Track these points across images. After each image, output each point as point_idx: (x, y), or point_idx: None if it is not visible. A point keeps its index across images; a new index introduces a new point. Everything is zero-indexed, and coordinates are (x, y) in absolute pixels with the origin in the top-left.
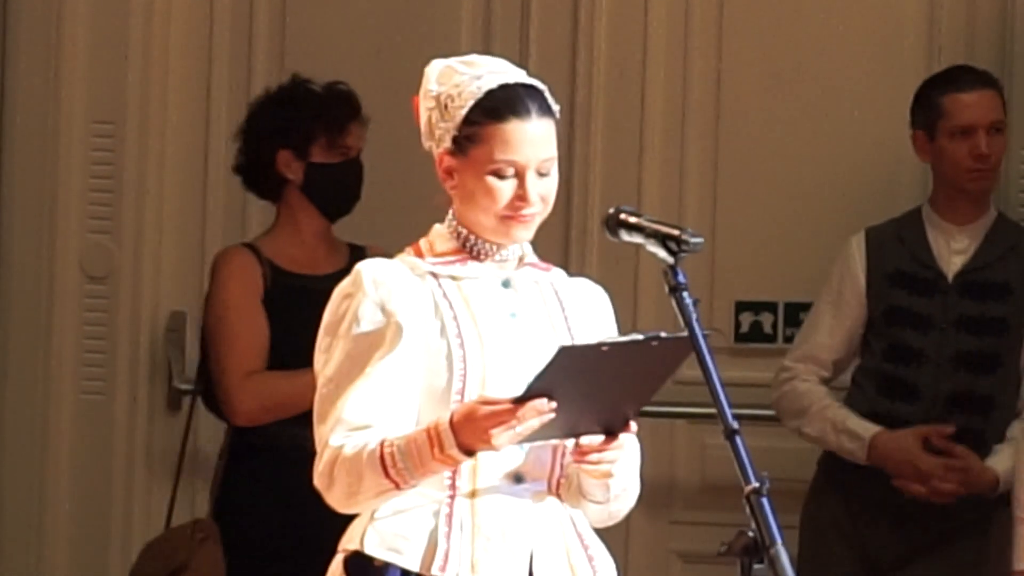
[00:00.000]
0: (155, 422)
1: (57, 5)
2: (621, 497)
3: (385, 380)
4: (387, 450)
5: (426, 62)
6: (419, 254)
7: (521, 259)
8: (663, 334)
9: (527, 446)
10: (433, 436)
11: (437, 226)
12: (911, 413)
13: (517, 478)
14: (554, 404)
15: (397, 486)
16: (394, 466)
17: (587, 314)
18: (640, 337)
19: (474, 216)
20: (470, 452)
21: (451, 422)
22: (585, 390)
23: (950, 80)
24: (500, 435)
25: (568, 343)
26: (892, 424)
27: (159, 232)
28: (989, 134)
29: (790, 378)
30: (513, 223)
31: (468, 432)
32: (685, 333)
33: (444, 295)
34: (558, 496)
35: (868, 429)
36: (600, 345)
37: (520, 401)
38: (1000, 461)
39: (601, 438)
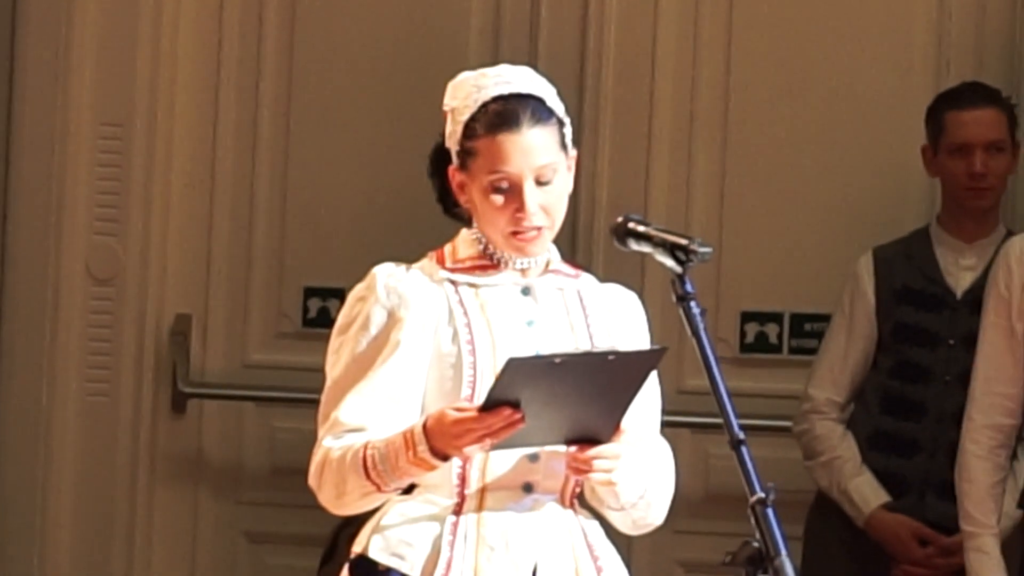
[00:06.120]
0: (159, 424)
1: (66, 7)
2: (639, 505)
3: (384, 385)
4: (369, 452)
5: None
6: (440, 260)
7: (547, 265)
8: (620, 349)
9: (539, 455)
10: (408, 439)
11: (464, 230)
12: (917, 431)
13: (527, 488)
14: (519, 414)
15: (379, 488)
16: (374, 468)
17: (614, 321)
18: (596, 351)
19: (485, 230)
20: (445, 457)
21: (424, 426)
22: (553, 401)
23: (953, 97)
24: (467, 442)
25: (517, 355)
26: (896, 445)
27: (165, 235)
28: (987, 152)
29: (809, 411)
30: (521, 241)
31: (438, 437)
32: (644, 347)
33: (460, 302)
34: (573, 506)
35: (867, 501)
36: (552, 357)
37: (485, 410)
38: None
39: (592, 447)
